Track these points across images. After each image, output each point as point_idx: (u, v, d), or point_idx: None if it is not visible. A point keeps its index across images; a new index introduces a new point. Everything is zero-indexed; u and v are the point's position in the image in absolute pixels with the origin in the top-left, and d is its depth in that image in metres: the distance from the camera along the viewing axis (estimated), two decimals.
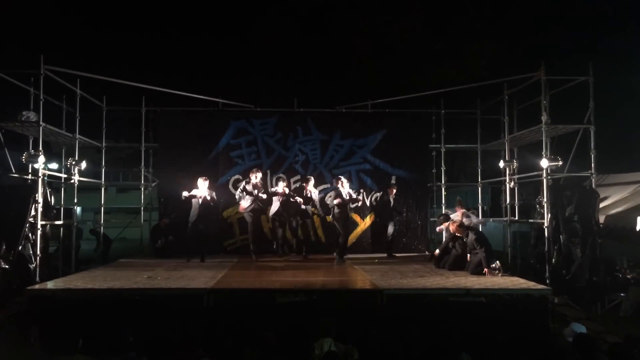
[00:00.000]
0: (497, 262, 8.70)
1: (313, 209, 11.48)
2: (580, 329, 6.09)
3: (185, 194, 10.25)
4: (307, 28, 17.87)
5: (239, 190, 11.04)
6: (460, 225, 9.20)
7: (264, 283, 8.19)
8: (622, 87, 15.42)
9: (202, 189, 10.46)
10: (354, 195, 10.84)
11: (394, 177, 12.41)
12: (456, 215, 10.76)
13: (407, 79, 16.46)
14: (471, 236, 8.81)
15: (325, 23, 17.86)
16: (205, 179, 10.57)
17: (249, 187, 10.53)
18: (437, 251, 9.70)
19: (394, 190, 11.50)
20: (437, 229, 11.03)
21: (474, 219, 10.82)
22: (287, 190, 10.88)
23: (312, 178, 11.33)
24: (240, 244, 11.89)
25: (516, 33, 17.14)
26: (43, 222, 9.48)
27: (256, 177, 10.64)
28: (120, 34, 18.38)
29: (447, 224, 9.87)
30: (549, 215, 9.72)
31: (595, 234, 9.35)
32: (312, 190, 11.05)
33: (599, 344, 5.84)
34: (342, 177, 10.83)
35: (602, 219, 10.42)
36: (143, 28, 18.77)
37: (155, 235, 11.31)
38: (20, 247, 8.76)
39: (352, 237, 12.11)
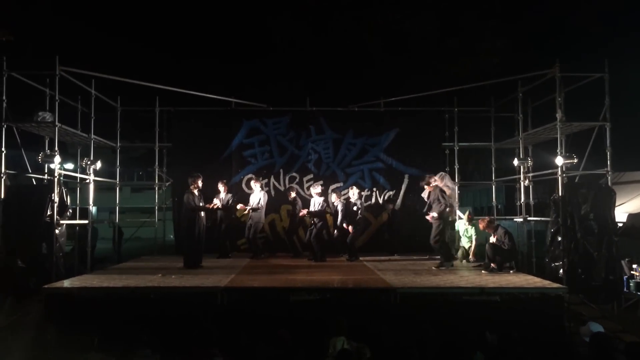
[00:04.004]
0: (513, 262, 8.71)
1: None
2: (597, 328, 6.01)
3: (216, 201, 10.69)
4: (320, 27, 17.86)
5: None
6: (490, 221, 9.63)
7: (278, 281, 8.20)
8: (638, 84, 15.19)
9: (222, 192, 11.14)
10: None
11: (407, 177, 12.43)
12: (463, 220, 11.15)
13: (420, 77, 16.36)
14: (500, 231, 9.29)
15: (337, 21, 17.83)
16: (224, 183, 11.25)
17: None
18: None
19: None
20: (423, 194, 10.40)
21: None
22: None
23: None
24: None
25: (530, 30, 16.98)
26: (59, 222, 9.58)
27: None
28: (133, 38, 18.59)
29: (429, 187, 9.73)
30: (565, 213, 9.62)
31: (611, 232, 9.22)
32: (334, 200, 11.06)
33: (616, 343, 5.75)
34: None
35: (620, 217, 10.27)
36: (155, 33, 18.98)
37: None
38: (36, 247, 8.87)
39: (365, 236, 12.16)
